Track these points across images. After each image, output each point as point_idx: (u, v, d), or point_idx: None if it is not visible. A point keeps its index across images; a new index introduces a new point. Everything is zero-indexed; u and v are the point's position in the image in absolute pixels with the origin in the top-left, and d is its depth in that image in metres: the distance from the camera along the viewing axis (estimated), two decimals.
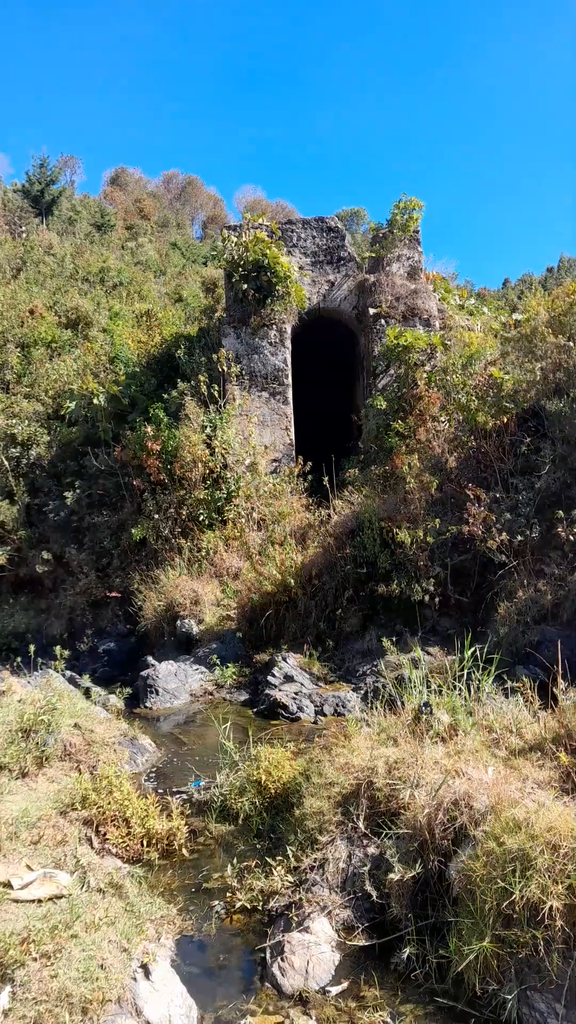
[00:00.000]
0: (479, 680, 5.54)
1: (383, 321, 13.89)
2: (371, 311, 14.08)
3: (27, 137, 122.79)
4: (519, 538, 8.82)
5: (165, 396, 13.67)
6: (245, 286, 13.97)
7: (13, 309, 21.02)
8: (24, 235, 34.84)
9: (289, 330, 14.37)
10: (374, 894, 4.05)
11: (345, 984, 3.64)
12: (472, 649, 5.83)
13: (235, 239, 14.21)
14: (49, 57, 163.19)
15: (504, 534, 8.76)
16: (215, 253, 15.23)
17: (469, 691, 5.40)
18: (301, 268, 14.79)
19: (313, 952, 3.74)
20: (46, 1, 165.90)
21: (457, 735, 4.85)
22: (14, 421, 15.37)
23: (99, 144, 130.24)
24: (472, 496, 9.24)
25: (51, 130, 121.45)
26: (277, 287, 14.00)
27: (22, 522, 13.83)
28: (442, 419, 11.20)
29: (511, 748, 4.72)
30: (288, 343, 14.33)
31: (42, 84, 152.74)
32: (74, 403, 14.97)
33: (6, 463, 14.52)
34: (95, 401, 14.42)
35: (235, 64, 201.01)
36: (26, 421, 15.35)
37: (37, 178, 43.23)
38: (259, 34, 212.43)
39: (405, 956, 3.67)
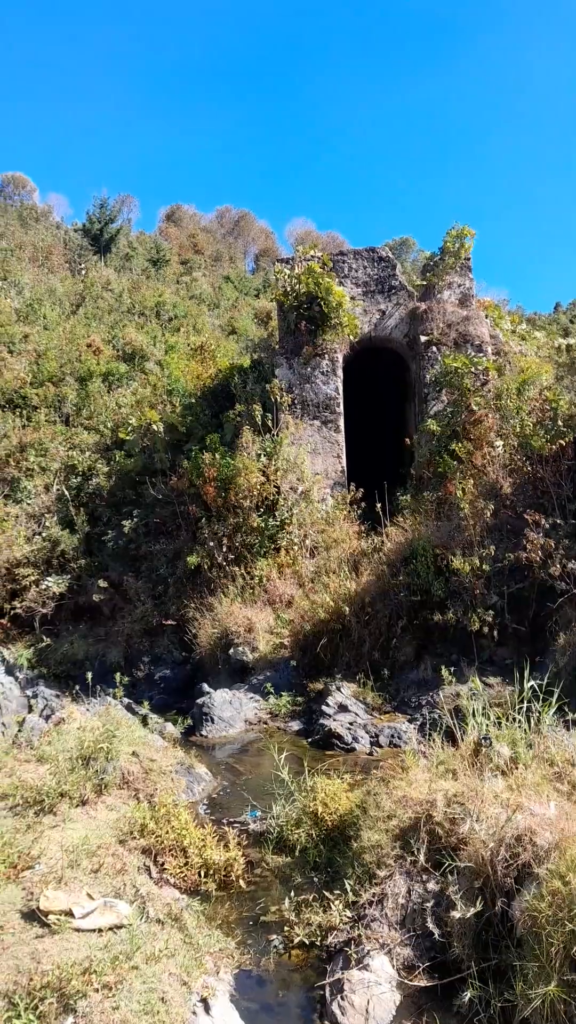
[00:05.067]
0: (539, 712, 5.41)
1: (435, 348, 13.88)
2: (422, 338, 14.08)
3: (85, 179, 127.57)
4: None
5: (222, 421, 13.87)
6: (297, 317, 14.17)
7: (72, 344, 21.77)
8: (83, 272, 36.01)
9: (341, 359, 14.48)
10: (435, 932, 3.96)
11: None
12: (531, 683, 5.71)
13: (287, 272, 14.47)
14: (106, 101, 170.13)
15: (564, 561, 8.58)
16: (268, 285, 15.53)
17: (529, 723, 5.28)
18: (352, 298, 14.92)
19: (373, 991, 3.68)
20: (95, 51, 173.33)
21: (517, 768, 4.74)
22: (74, 452, 15.81)
23: (155, 183, 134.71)
24: (531, 522, 9.08)
25: (108, 171, 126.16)
26: (330, 317, 14.16)
27: (82, 551, 14.15)
28: (497, 444, 11.09)
29: (574, 782, 4.59)
30: (339, 372, 14.43)
31: (100, 128, 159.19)
32: (132, 433, 15.31)
33: (67, 493, 14.92)
34: (154, 427, 14.69)
35: (283, 100, 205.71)
36: (86, 452, 15.78)
37: (96, 217, 44.70)
38: (303, 68, 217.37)
39: (467, 999, 3.57)
